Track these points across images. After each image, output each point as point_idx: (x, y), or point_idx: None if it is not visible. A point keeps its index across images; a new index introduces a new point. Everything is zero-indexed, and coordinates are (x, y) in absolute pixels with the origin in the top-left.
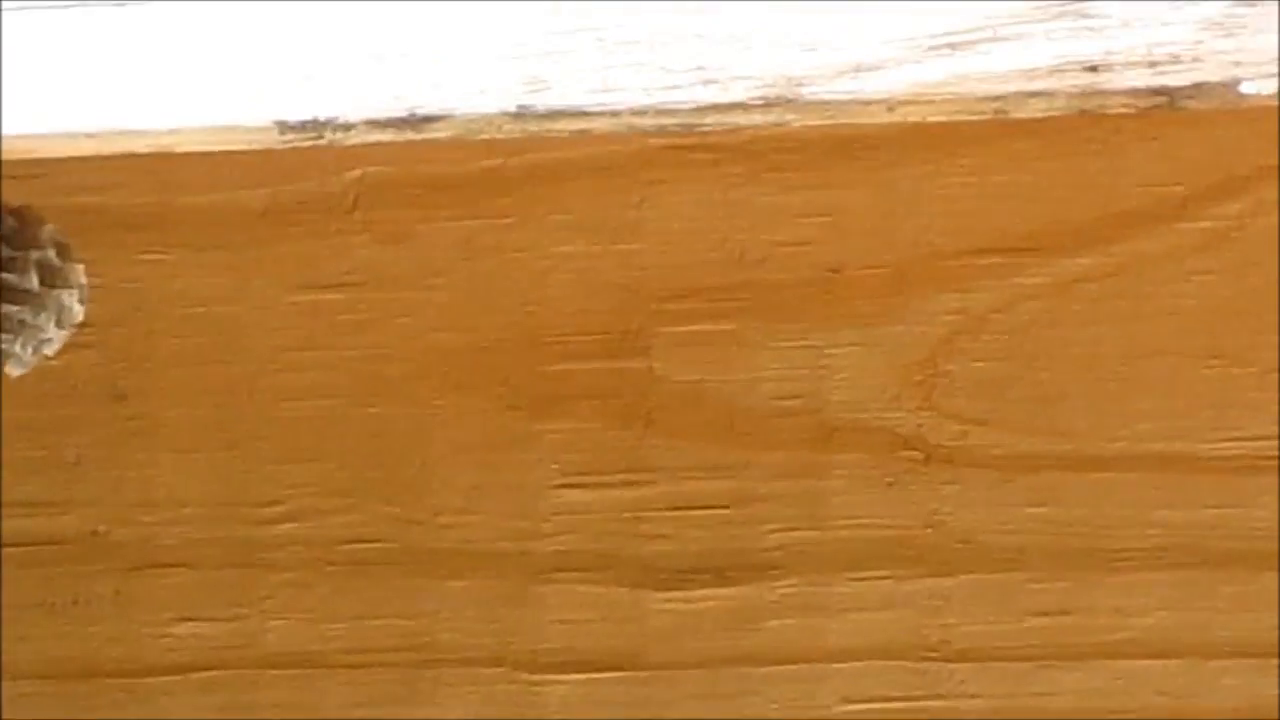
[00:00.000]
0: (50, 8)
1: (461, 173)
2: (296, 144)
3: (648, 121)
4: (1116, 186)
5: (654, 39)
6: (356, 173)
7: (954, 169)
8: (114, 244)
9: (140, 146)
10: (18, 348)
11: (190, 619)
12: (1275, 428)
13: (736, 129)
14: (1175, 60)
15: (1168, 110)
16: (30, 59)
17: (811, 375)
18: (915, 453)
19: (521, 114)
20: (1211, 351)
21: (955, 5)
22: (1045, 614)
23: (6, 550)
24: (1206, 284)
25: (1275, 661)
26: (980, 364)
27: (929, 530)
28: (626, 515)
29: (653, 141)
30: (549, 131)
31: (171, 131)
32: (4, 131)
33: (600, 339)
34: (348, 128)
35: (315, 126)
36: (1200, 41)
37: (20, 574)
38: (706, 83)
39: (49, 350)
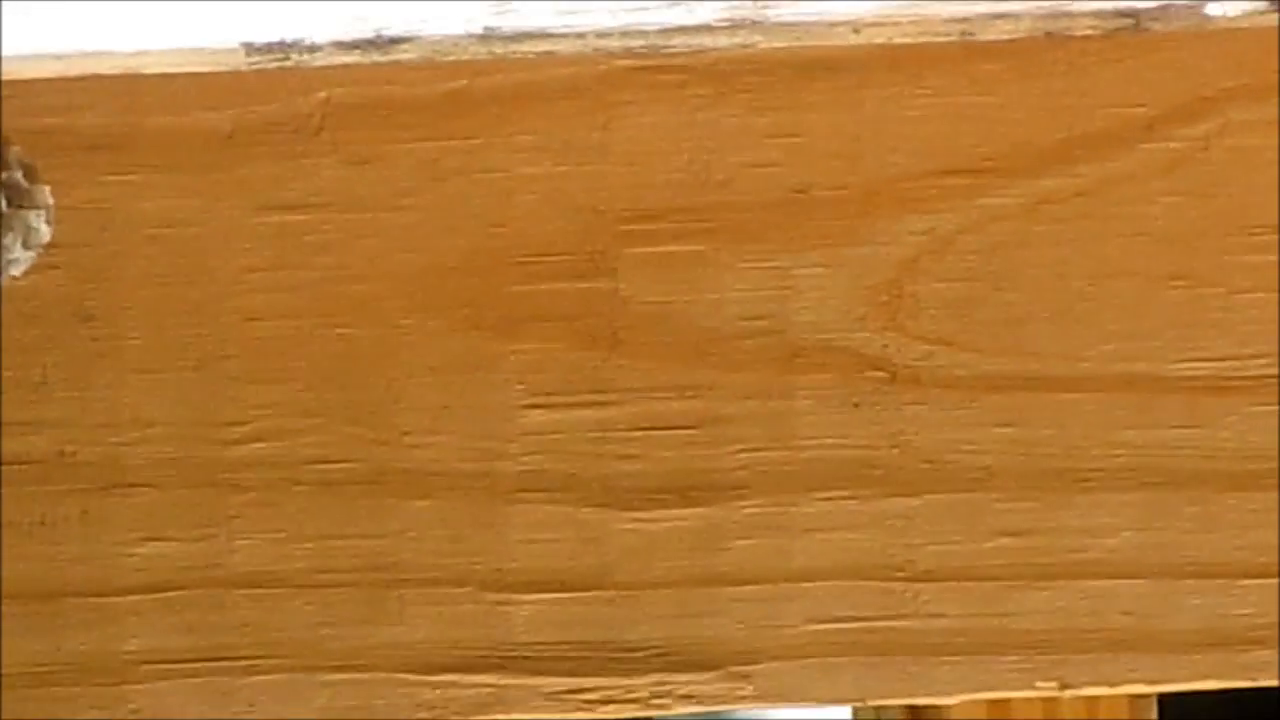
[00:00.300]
0: None
1: (428, 94)
2: (263, 66)
3: (614, 43)
4: (1082, 108)
5: None
6: (323, 94)
7: (920, 91)
8: (80, 165)
9: (106, 68)
10: None
11: (157, 539)
12: (1240, 348)
13: (703, 51)
14: None
15: (1133, 32)
16: None
17: (777, 296)
18: (881, 373)
19: (488, 36)
20: (1177, 273)
21: None
22: (1011, 534)
23: None
24: (1172, 205)
25: (1240, 582)
26: (946, 285)
27: (895, 450)
28: (592, 436)
29: (619, 63)
30: (515, 53)
31: (138, 53)
32: None
33: (566, 260)
34: (314, 49)
35: (281, 48)
36: None
37: None
38: (673, 4)
39: (15, 271)
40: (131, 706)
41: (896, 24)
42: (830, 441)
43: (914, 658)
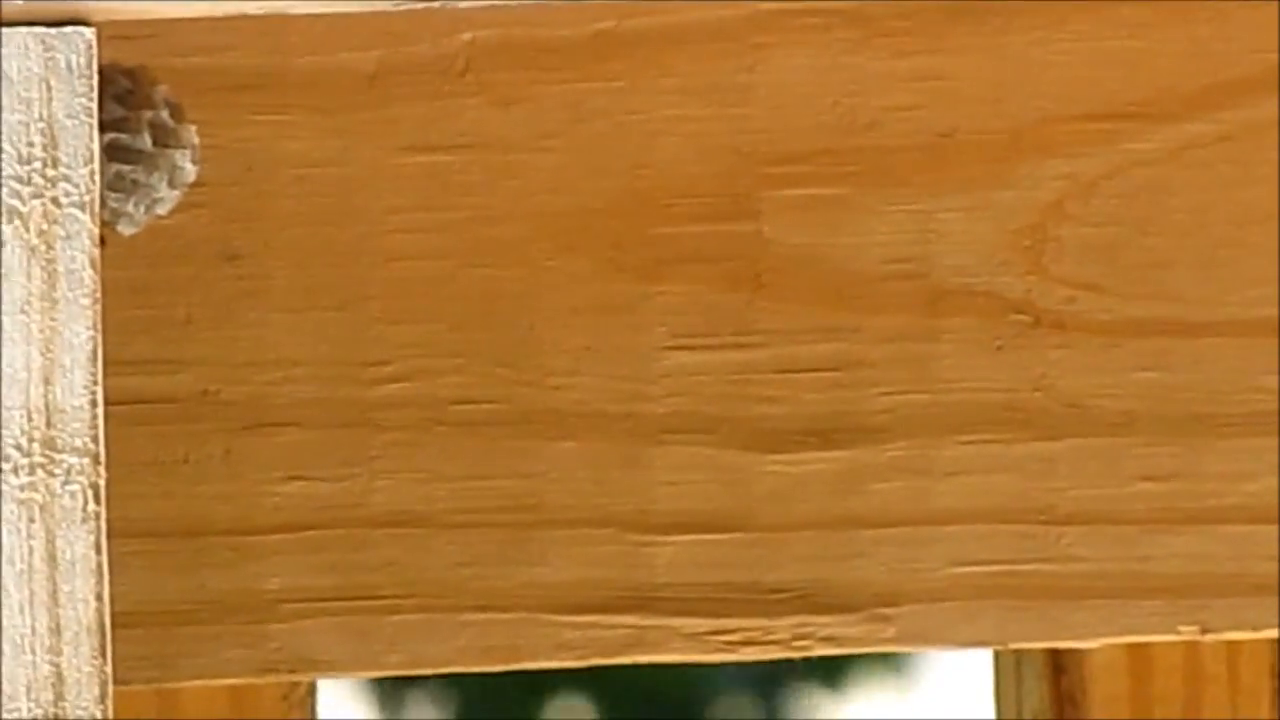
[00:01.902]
0: None
1: (573, 36)
2: (409, 7)
3: None
4: (1227, 54)
5: None
6: (468, 35)
7: (1064, 35)
8: (226, 105)
9: (253, 8)
10: (130, 206)
11: (299, 478)
12: None
13: None
14: None
15: None
16: None
17: (921, 240)
18: (1024, 317)
19: None
20: None
21: None
22: (1152, 479)
23: (117, 408)
24: None
25: None
26: (1089, 229)
27: (1037, 394)
28: (735, 378)
29: (764, 6)
30: None
31: None
32: None
33: (710, 202)
34: None
35: None
36: None
37: (130, 432)
38: None
39: (161, 210)
40: (273, 645)
41: None
42: (972, 385)
43: (1055, 601)
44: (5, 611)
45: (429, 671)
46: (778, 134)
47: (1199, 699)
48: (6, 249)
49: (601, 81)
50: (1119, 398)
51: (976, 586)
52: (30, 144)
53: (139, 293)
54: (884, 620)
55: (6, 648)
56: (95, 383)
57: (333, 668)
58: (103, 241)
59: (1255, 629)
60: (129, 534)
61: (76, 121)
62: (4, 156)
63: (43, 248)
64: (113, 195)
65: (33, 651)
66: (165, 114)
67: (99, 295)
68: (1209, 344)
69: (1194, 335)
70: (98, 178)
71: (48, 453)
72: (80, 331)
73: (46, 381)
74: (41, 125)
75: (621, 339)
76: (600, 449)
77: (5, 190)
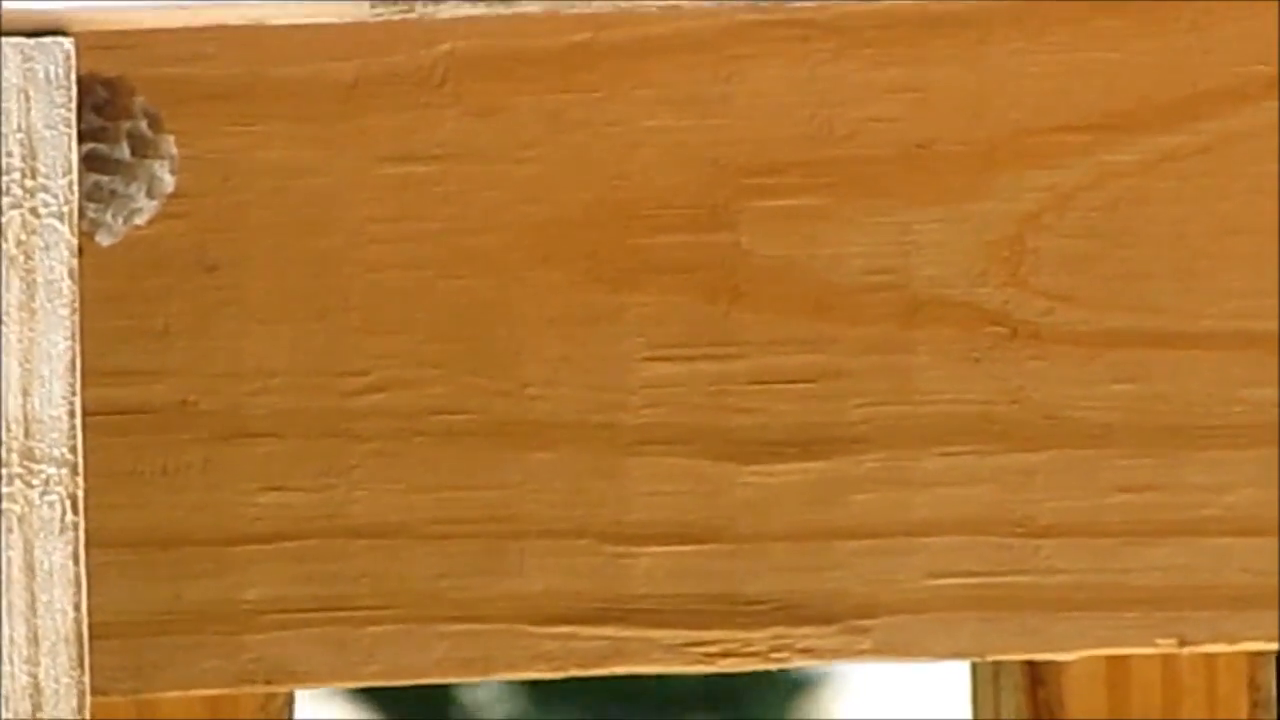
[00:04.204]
0: None
1: (551, 47)
2: (387, 17)
3: None
4: (1205, 66)
5: None
6: (446, 46)
7: (1043, 46)
8: (204, 115)
9: (232, 18)
10: (108, 217)
11: (278, 488)
12: None
13: (826, 5)
14: None
15: None
16: None
17: (898, 251)
18: (1001, 328)
19: None
20: None
21: None
22: (1130, 490)
23: (95, 419)
24: None
25: None
26: (1067, 240)
27: (1015, 405)
28: (712, 388)
29: (741, 17)
30: (639, 7)
31: (263, 4)
32: (98, 3)
33: (688, 213)
34: (439, 1)
35: (406, 0)
36: None
37: (108, 442)
38: None
39: (140, 220)
40: (251, 655)
41: None
42: (950, 396)
43: (1033, 613)
44: None
45: (407, 682)
46: (755, 144)
47: (1176, 710)
48: None
49: (579, 92)
50: (1097, 409)
51: (955, 598)
52: (9, 154)
53: (117, 303)
54: (862, 631)
55: None
56: (73, 393)
57: (310, 678)
58: (81, 251)
59: (1233, 641)
60: (107, 544)
61: (55, 132)
62: None
63: (21, 258)
64: (91, 205)
65: (10, 661)
66: (144, 124)
67: (77, 305)
68: (1187, 355)
69: (1172, 347)
70: (76, 188)
71: (26, 463)
72: (58, 341)
73: (25, 392)
74: (20, 136)
75: (599, 349)
76: (578, 459)
77: None
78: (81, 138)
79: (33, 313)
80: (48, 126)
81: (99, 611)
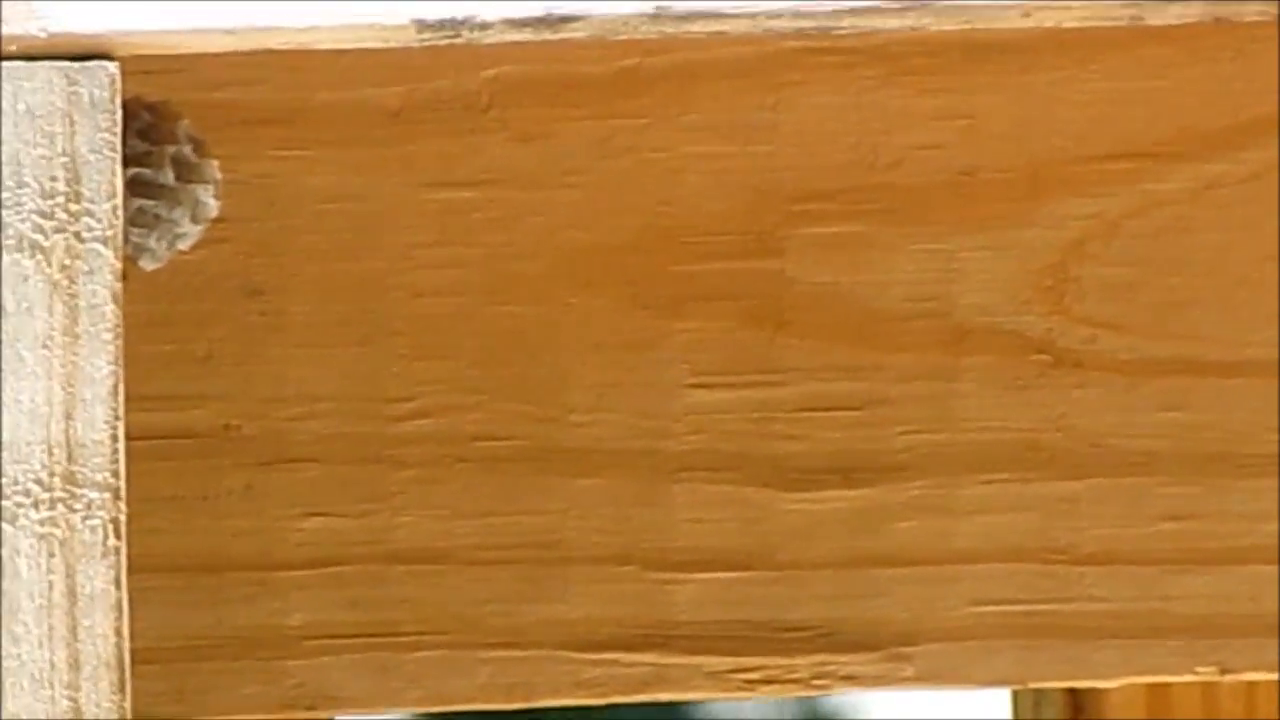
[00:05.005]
0: None
1: (597, 73)
2: (433, 43)
3: (784, 24)
4: (1249, 94)
5: None
6: (492, 71)
7: (1088, 74)
8: (249, 140)
9: (277, 43)
10: (152, 242)
11: (320, 514)
12: None
13: (872, 32)
14: None
15: None
16: None
17: (943, 278)
18: (1045, 356)
19: (659, 15)
20: None
21: None
22: (1174, 518)
23: (137, 443)
24: None
25: None
26: (1111, 269)
27: (1058, 433)
28: (757, 415)
29: (788, 44)
30: (685, 33)
31: (308, 29)
32: (143, 27)
33: (733, 239)
34: (485, 27)
35: (452, 25)
36: None
37: (151, 467)
38: None
39: (183, 245)
40: (293, 681)
41: (1066, 8)
42: (994, 424)
43: (1075, 640)
44: (24, 646)
45: (449, 708)
46: (800, 171)
47: None
48: (29, 284)
49: (624, 118)
50: (1140, 437)
51: (996, 625)
52: (53, 179)
53: (161, 328)
54: (904, 659)
55: (25, 682)
56: (116, 417)
57: (353, 704)
58: (124, 276)
59: (1273, 669)
60: (149, 569)
61: (99, 156)
62: (27, 191)
63: (65, 283)
64: (135, 230)
65: (51, 686)
66: (188, 149)
67: (120, 330)
68: (1230, 384)
69: (1215, 375)
70: (120, 213)
71: (68, 487)
72: (102, 366)
73: (68, 416)
74: (64, 160)
75: (643, 376)
76: (621, 486)
77: (28, 225)
78: (126, 162)
79: (76, 337)
80: (92, 151)
81: (141, 637)
